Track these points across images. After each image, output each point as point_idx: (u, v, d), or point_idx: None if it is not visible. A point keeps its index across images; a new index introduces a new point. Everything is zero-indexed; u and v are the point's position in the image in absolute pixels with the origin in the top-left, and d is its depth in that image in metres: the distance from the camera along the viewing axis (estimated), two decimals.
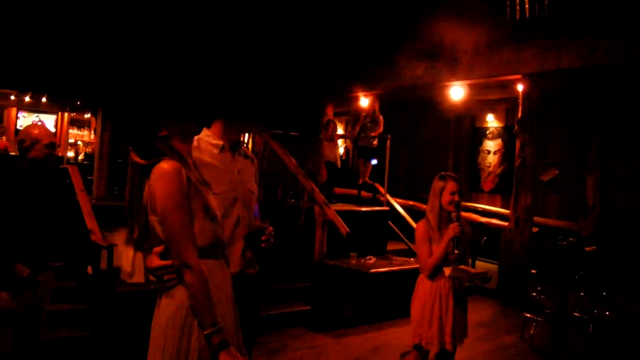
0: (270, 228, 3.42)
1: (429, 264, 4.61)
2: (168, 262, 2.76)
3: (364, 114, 12.45)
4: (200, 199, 2.80)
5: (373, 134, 12.09)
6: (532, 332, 7.90)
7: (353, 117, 16.94)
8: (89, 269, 7.19)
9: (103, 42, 9.42)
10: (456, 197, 4.60)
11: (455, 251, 4.52)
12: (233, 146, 3.50)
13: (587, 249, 8.28)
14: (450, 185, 4.62)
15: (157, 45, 9.83)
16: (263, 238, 3.38)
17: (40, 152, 4.57)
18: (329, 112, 13.60)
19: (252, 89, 3.57)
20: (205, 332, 2.68)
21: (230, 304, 2.93)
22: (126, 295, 6.74)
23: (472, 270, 4.60)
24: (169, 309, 2.76)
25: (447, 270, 4.55)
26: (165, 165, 2.74)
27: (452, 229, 4.51)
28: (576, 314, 8.23)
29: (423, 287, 4.69)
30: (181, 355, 2.71)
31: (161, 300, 2.84)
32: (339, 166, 12.69)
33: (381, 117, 12.21)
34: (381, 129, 12.12)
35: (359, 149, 12.44)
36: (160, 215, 2.71)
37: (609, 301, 8.33)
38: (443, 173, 4.79)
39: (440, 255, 4.54)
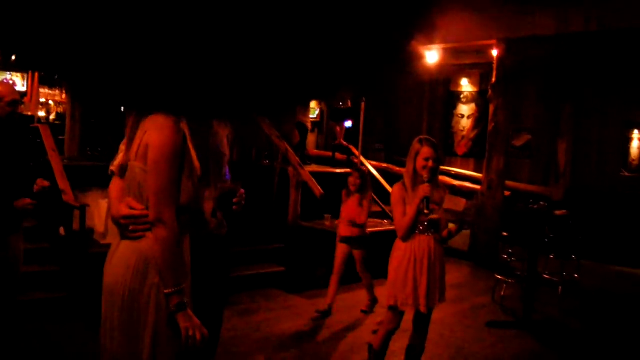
0: (242, 190, 3.40)
1: (401, 224, 4.63)
2: (137, 212, 2.75)
3: None
4: (188, 157, 2.79)
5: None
6: (502, 293, 8.02)
7: None
8: (62, 230, 7.14)
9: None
10: (430, 163, 4.59)
11: (426, 211, 4.54)
12: None
13: (558, 212, 8.39)
14: (425, 151, 4.62)
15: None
16: (234, 200, 3.36)
17: (2, 110, 4.45)
18: None
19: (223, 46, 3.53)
20: (166, 291, 2.67)
21: (189, 272, 2.90)
22: (99, 256, 6.67)
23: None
24: (130, 258, 2.73)
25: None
26: (162, 118, 2.73)
27: (422, 189, 4.53)
28: (546, 276, 8.36)
29: (399, 248, 4.71)
30: (138, 307, 2.70)
31: (119, 248, 2.81)
32: (310, 128, 12.63)
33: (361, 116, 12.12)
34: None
35: (332, 111, 12.38)
36: (150, 165, 2.69)
37: (578, 264, 8.46)
38: (422, 137, 4.78)
39: (412, 215, 4.56)
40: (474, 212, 4.56)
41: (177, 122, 2.73)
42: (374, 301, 7.32)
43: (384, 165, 13.39)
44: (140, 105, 2.83)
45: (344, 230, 7.21)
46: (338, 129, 12.33)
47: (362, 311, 7.29)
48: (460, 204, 8.71)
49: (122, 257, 2.77)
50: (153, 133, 2.71)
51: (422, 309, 4.62)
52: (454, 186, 12.08)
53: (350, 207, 7.20)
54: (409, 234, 4.64)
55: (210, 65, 3.26)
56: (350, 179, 7.20)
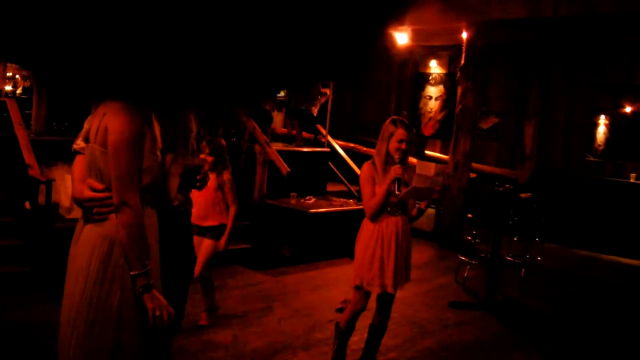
0: (206, 167, 3.40)
1: (370, 204, 4.64)
2: (100, 194, 2.72)
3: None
4: (151, 137, 2.76)
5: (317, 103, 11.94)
6: (466, 274, 8.10)
7: None
8: (27, 204, 7.08)
9: None
10: (403, 145, 4.60)
11: (397, 192, 4.56)
12: None
13: (523, 195, 8.47)
14: (399, 133, 4.62)
15: None
16: (198, 177, 3.35)
17: None
18: None
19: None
20: (132, 273, 2.67)
21: (156, 248, 2.90)
22: (64, 231, 6.62)
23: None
24: (94, 240, 2.71)
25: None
26: (122, 101, 2.68)
27: (394, 170, 4.54)
28: (509, 258, 8.47)
29: (367, 228, 4.72)
30: (103, 288, 2.68)
31: (84, 229, 2.79)
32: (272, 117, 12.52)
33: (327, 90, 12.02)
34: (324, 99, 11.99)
35: (292, 112, 12.19)
36: (110, 150, 2.65)
37: (542, 247, 8.57)
38: (395, 117, 4.78)
39: (382, 196, 4.57)
40: (442, 180, 4.54)
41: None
42: (211, 310, 5.94)
43: (351, 145, 13.42)
44: (100, 96, 2.78)
45: (198, 218, 5.66)
46: (297, 127, 12.06)
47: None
48: (430, 168, 8.73)
49: (87, 240, 2.75)
50: (112, 117, 2.68)
51: (389, 289, 4.65)
52: (421, 162, 12.14)
53: (206, 191, 5.58)
54: (377, 214, 4.65)
55: (178, 52, 3.21)
56: (201, 156, 5.53)
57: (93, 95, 2.76)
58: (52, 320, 5.42)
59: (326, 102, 11.80)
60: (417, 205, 4.78)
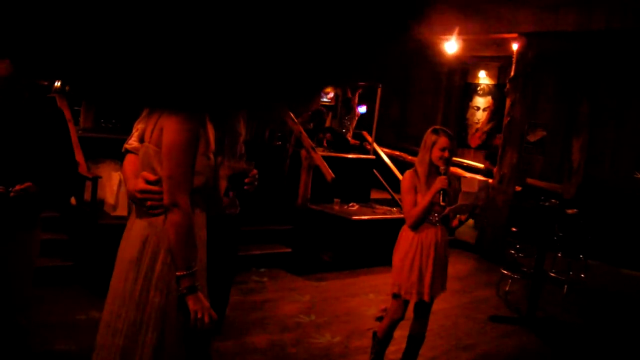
0: (255, 171, 3.41)
1: (413, 213, 4.63)
2: (154, 187, 2.74)
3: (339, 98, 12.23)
4: (205, 140, 2.78)
5: (349, 123, 11.99)
6: (507, 288, 8.01)
7: None
8: (73, 200, 7.19)
9: None
10: (446, 154, 4.59)
11: (442, 203, 4.56)
12: None
13: (569, 211, 8.37)
14: (442, 141, 4.61)
15: None
16: (246, 180, 3.36)
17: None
18: None
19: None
20: (178, 274, 2.68)
21: (204, 251, 2.91)
22: (108, 228, 6.73)
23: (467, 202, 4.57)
24: (144, 237, 2.75)
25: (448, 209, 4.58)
26: None
27: (440, 181, 4.53)
28: (552, 274, 8.35)
29: (406, 237, 4.72)
30: (150, 286, 2.72)
31: (135, 225, 2.83)
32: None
33: (356, 108, 12.08)
34: (356, 117, 12.03)
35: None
36: (165, 151, 2.68)
37: (585, 264, 8.45)
38: (437, 127, 4.78)
39: (426, 205, 4.56)
40: (484, 195, 4.51)
41: None
42: None
43: (396, 153, 13.39)
44: (151, 106, 2.80)
45: None
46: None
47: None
48: (474, 183, 8.62)
49: (136, 236, 2.78)
50: (168, 118, 2.70)
51: (426, 298, 4.64)
52: (465, 178, 12.06)
53: None
54: (418, 224, 4.64)
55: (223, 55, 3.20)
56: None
57: (142, 105, 2.79)
58: (92, 313, 5.53)
59: (373, 109, 11.78)
60: (458, 217, 4.76)
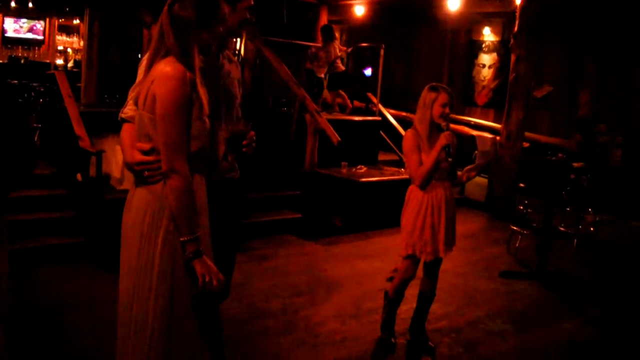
0: (252, 132, 3.39)
1: (420, 172, 4.62)
2: (150, 158, 2.76)
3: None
4: (198, 104, 2.77)
5: (326, 60, 11.64)
6: (517, 244, 8.02)
7: (347, 26, 16.74)
8: (79, 176, 7.20)
9: None
10: (447, 110, 4.57)
11: (449, 159, 4.55)
12: (218, 48, 3.44)
13: (575, 165, 8.34)
14: (442, 97, 4.59)
15: None
16: (244, 142, 3.34)
17: None
18: (324, 18, 13.37)
19: None
20: (182, 239, 2.70)
21: (206, 216, 2.93)
22: (115, 202, 6.71)
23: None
24: (145, 205, 2.77)
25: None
26: (169, 68, 2.69)
27: (445, 137, 4.51)
28: (561, 229, 8.36)
29: (415, 197, 4.70)
30: (154, 252, 2.74)
31: (135, 194, 2.84)
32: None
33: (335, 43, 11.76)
34: (336, 52, 11.68)
35: (330, 79, 11.87)
36: (158, 117, 2.68)
37: (594, 217, 8.44)
38: (435, 84, 4.74)
39: (432, 163, 4.55)
40: (494, 150, 4.52)
41: (185, 71, 2.70)
42: None
43: (403, 113, 13.32)
44: None
45: None
46: (336, 98, 11.82)
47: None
48: (486, 142, 8.45)
49: (138, 205, 2.80)
50: (160, 83, 2.69)
51: (442, 254, 4.68)
52: (473, 136, 12.02)
53: None
54: (426, 182, 4.64)
55: None
56: None
57: None
58: (105, 288, 5.57)
59: (377, 70, 11.70)
60: (467, 173, 4.76)
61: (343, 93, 11.63)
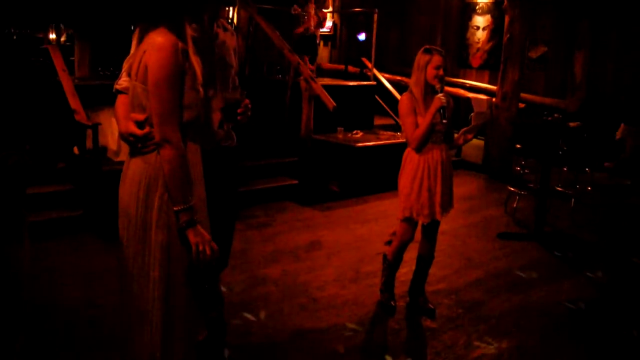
0: (247, 100, 3.38)
1: (416, 135, 4.63)
2: (143, 131, 2.76)
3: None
4: (191, 73, 2.77)
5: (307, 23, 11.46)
6: (515, 205, 8.04)
7: None
8: (75, 149, 7.20)
9: None
10: (441, 71, 4.57)
11: (444, 121, 4.56)
12: (211, 17, 3.43)
13: (572, 124, 8.35)
14: (436, 59, 4.59)
15: None
16: (239, 110, 3.34)
17: None
18: None
19: None
20: (175, 208, 2.72)
21: (202, 185, 2.95)
22: (112, 174, 6.68)
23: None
24: (140, 175, 2.78)
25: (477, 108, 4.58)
26: (160, 38, 2.69)
27: (439, 99, 4.52)
28: (559, 189, 8.37)
29: (411, 160, 4.72)
30: (150, 222, 2.77)
31: (130, 164, 2.85)
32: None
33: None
34: (311, 15, 11.45)
35: (295, 43, 11.60)
36: (150, 88, 2.68)
37: (591, 176, 8.46)
38: (427, 46, 4.73)
39: (427, 125, 4.56)
40: (489, 111, 4.51)
41: (176, 41, 2.70)
42: None
43: (397, 78, 13.27)
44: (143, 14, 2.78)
45: None
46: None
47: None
48: (482, 103, 8.41)
49: (133, 175, 2.81)
50: (152, 53, 2.69)
51: (438, 217, 4.71)
52: (468, 98, 11.99)
53: None
54: (422, 145, 4.66)
55: None
56: None
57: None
58: (105, 259, 5.60)
59: (370, 35, 11.64)
60: (464, 136, 4.75)
61: (306, 59, 11.42)
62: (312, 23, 11.26)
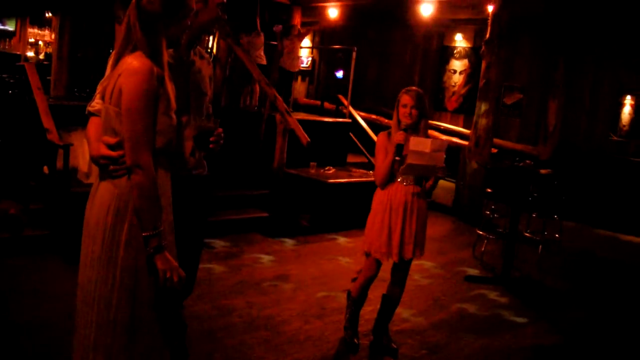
0: (220, 129, 3.37)
1: (376, 172, 4.72)
2: (116, 153, 2.73)
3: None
4: (165, 99, 2.76)
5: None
6: (483, 249, 8.07)
7: (320, 29, 16.75)
8: (45, 169, 7.13)
9: None
10: (407, 110, 4.57)
11: (397, 158, 4.52)
12: (188, 45, 3.43)
13: (543, 171, 8.41)
14: (404, 98, 4.61)
15: None
16: (212, 139, 3.33)
17: None
18: (297, 19, 13.37)
19: None
20: (144, 234, 2.69)
21: (170, 211, 2.92)
22: (82, 195, 6.61)
23: (425, 164, 4.51)
24: (110, 199, 2.74)
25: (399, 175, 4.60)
26: (136, 63, 2.68)
27: (395, 137, 4.55)
28: (527, 234, 8.42)
29: (377, 196, 4.75)
30: (117, 247, 2.72)
31: (99, 188, 2.81)
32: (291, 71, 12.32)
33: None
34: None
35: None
36: (124, 112, 2.67)
37: (560, 224, 8.52)
38: (407, 87, 4.78)
39: (384, 163, 4.59)
40: (442, 156, 4.47)
41: (152, 66, 2.69)
42: None
43: (373, 116, 13.37)
44: None
45: None
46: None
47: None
48: (426, 144, 8.52)
49: (102, 199, 2.77)
50: (127, 77, 2.68)
51: (395, 258, 4.67)
52: (415, 137, 12.03)
53: None
54: (383, 182, 4.68)
55: None
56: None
57: None
58: (67, 282, 5.51)
59: (348, 73, 11.72)
60: (432, 178, 4.74)
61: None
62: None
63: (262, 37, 11.71)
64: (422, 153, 4.41)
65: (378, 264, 4.77)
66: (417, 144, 4.42)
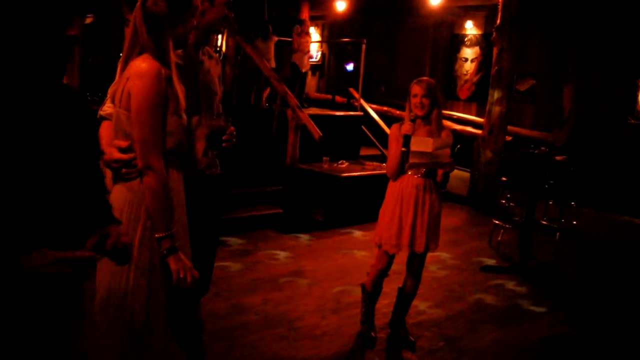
0: (232, 127, 3.36)
1: (387, 163, 4.72)
2: (127, 156, 2.73)
3: None
4: (174, 100, 2.76)
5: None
6: (499, 238, 8.02)
7: (329, 22, 16.73)
8: None
9: None
10: (418, 100, 4.53)
11: (403, 149, 4.47)
12: (196, 45, 3.41)
13: (558, 158, 8.32)
14: (414, 89, 4.56)
15: None
16: (224, 138, 3.32)
17: None
18: (305, 14, 13.35)
19: None
20: (157, 235, 2.69)
21: (183, 212, 2.92)
22: None
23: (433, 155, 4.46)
24: (122, 202, 2.74)
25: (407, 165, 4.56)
26: (144, 65, 2.67)
27: (403, 128, 4.51)
28: (544, 222, 8.34)
29: (389, 188, 4.73)
30: (132, 248, 2.68)
31: (113, 191, 2.82)
32: (303, 71, 12.35)
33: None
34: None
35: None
36: (133, 114, 2.67)
37: (577, 211, 8.45)
38: (418, 78, 4.74)
39: (395, 155, 4.55)
40: (446, 152, 4.41)
41: (160, 67, 2.68)
42: None
43: (385, 108, 13.31)
44: None
45: None
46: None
47: None
48: (427, 143, 8.48)
49: (116, 200, 2.77)
50: (135, 80, 2.67)
51: (405, 250, 4.64)
52: (455, 130, 12.01)
53: None
54: (394, 174, 4.66)
55: None
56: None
57: None
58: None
59: (358, 65, 11.69)
60: (443, 171, 4.70)
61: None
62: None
63: (274, 41, 11.73)
64: (424, 153, 4.38)
65: (389, 256, 4.74)
66: (418, 144, 4.39)
